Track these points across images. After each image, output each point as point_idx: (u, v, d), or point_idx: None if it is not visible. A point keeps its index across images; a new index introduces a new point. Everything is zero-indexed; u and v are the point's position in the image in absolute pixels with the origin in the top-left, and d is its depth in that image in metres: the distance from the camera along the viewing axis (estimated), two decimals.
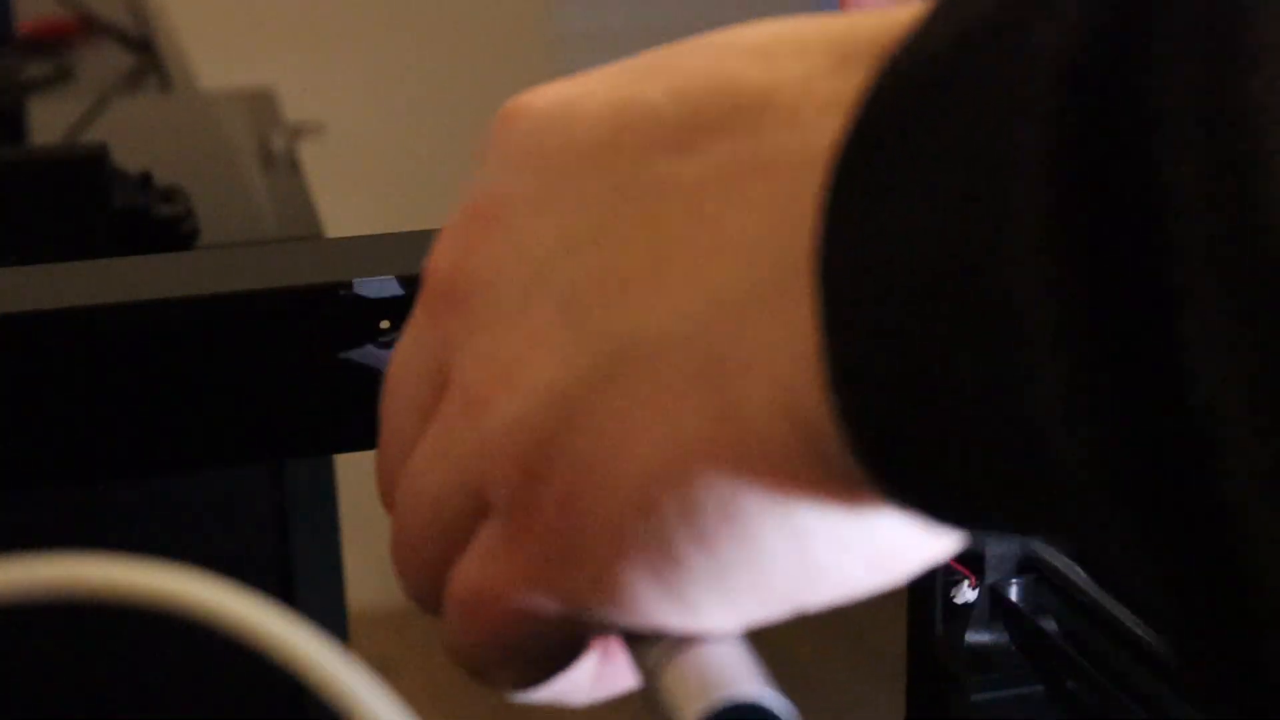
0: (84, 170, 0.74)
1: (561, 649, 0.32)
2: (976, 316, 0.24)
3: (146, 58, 1.17)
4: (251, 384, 0.46)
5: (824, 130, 0.27)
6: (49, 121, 1.01)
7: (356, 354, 0.48)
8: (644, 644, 0.31)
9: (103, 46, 1.19)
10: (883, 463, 0.26)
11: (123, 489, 0.68)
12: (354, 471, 0.68)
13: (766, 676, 0.30)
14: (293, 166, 0.93)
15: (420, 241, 0.50)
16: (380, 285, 0.47)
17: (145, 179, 0.78)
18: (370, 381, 0.49)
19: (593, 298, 0.29)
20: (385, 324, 0.49)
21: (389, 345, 0.49)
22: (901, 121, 0.25)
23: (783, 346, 0.27)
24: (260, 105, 1.06)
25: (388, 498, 0.34)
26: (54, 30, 1.20)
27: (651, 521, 0.29)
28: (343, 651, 0.30)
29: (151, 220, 0.75)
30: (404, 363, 0.34)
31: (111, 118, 1.02)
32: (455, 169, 2.56)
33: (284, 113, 1.06)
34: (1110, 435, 0.22)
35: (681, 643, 0.30)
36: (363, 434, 0.49)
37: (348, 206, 2.17)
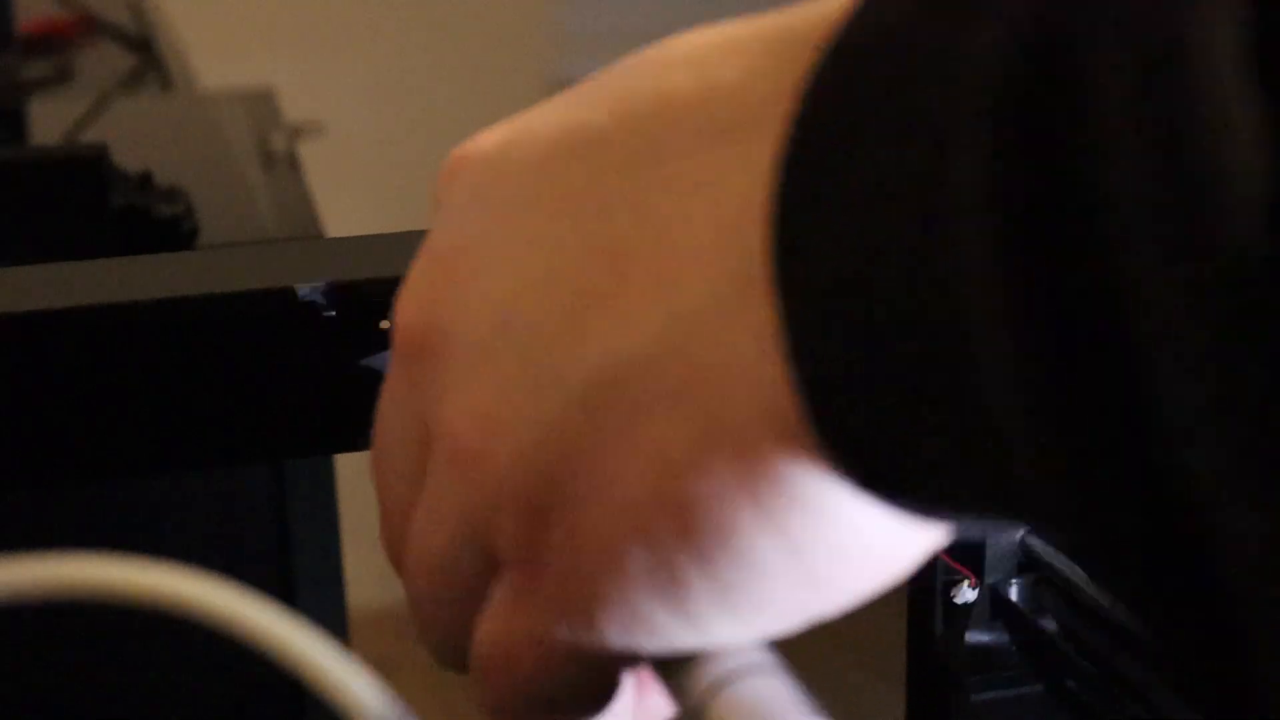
0: (84, 170, 0.74)
1: (595, 689, 0.32)
2: (925, 307, 0.24)
3: (146, 58, 1.17)
4: (251, 384, 0.46)
5: (762, 135, 0.27)
6: (49, 121, 1.01)
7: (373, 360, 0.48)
8: (679, 676, 0.31)
9: (103, 46, 1.19)
10: (854, 458, 0.26)
11: (123, 489, 0.68)
12: (354, 471, 0.68)
13: (817, 709, 0.30)
14: (293, 166, 0.93)
15: (420, 242, 0.50)
16: (381, 286, 0.47)
17: (145, 179, 0.78)
18: (368, 382, 0.49)
19: (555, 335, 0.29)
20: (385, 324, 0.49)
21: (387, 345, 0.49)
22: (838, 118, 0.25)
23: (753, 353, 0.27)
24: (260, 105, 1.06)
25: (397, 564, 0.34)
26: (54, 30, 1.20)
27: (650, 545, 0.28)
28: (343, 651, 0.30)
29: (151, 220, 0.75)
30: (387, 426, 0.34)
31: (111, 118, 1.02)
32: None
33: (284, 113, 1.06)
34: (1054, 421, 0.23)
35: (723, 679, 0.30)
36: (362, 434, 0.49)
37: (348, 206, 2.17)
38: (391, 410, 0.33)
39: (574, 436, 0.29)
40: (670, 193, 0.28)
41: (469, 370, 0.30)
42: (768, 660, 0.31)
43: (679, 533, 0.28)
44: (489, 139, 0.32)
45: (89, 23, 1.20)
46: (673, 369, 0.28)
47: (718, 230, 0.27)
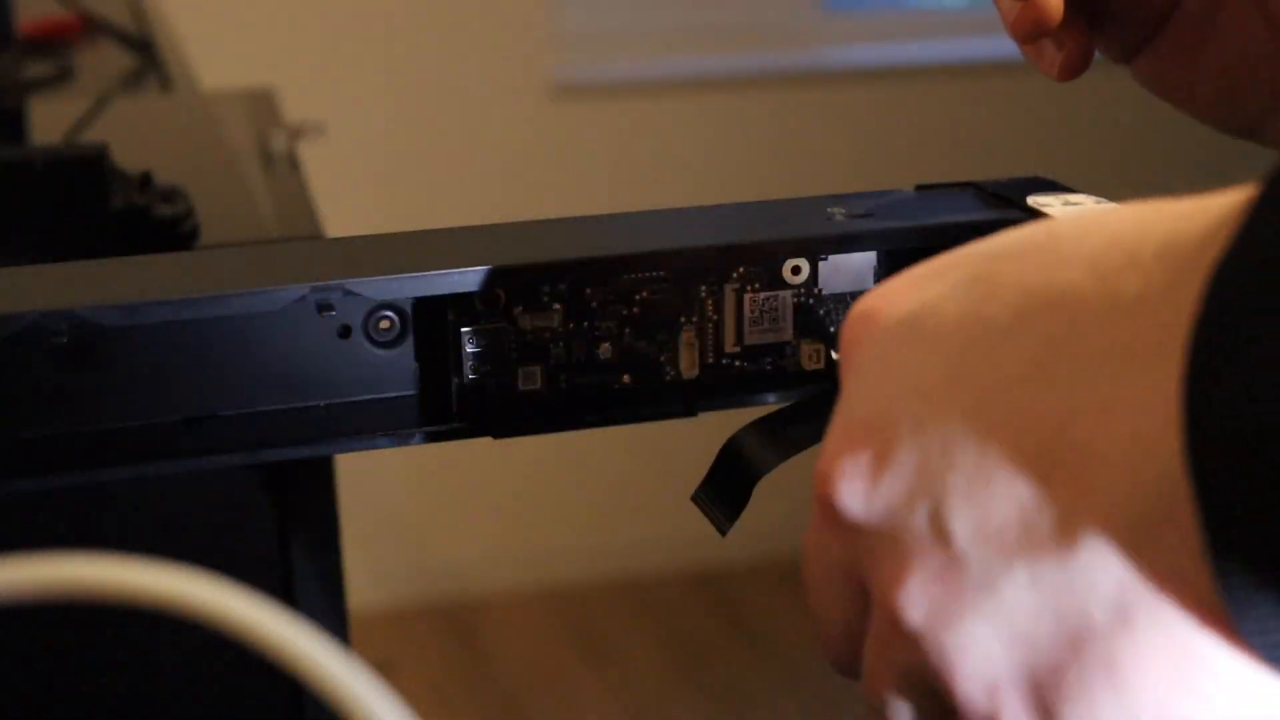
0: (84, 170, 0.74)
1: None
2: None
3: (146, 58, 1.17)
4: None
5: (1166, 361, 0.30)
6: (49, 121, 1.01)
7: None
8: None
9: (103, 46, 1.19)
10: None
11: (123, 488, 0.68)
12: (354, 472, 0.68)
13: None
14: (293, 166, 0.93)
15: (420, 241, 0.50)
16: (381, 286, 0.47)
17: (145, 179, 0.78)
18: (364, 382, 0.49)
19: (979, 543, 0.33)
20: (385, 324, 0.49)
21: (387, 345, 0.49)
22: (1237, 349, 0.29)
23: (1182, 562, 0.30)
24: (260, 105, 1.06)
25: (848, 673, 0.38)
26: (54, 30, 1.20)
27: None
28: (343, 651, 0.30)
29: (151, 220, 0.75)
30: (816, 567, 0.37)
31: (111, 118, 1.02)
32: (455, 169, 2.56)
33: (284, 113, 1.06)
34: None
35: None
36: (359, 433, 0.49)
37: (348, 206, 2.17)
38: (820, 555, 0.36)
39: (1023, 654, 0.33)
40: (1080, 413, 0.31)
41: (899, 556, 0.34)
42: None
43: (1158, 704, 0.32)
44: (894, 307, 0.35)
45: (89, 23, 1.20)
46: (1104, 583, 0.31)
47: (1132, 454, 0.30)
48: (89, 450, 0.46)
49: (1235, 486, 0.29)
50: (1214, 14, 0.53)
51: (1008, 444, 0.32)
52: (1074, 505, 0.32)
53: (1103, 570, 0.31)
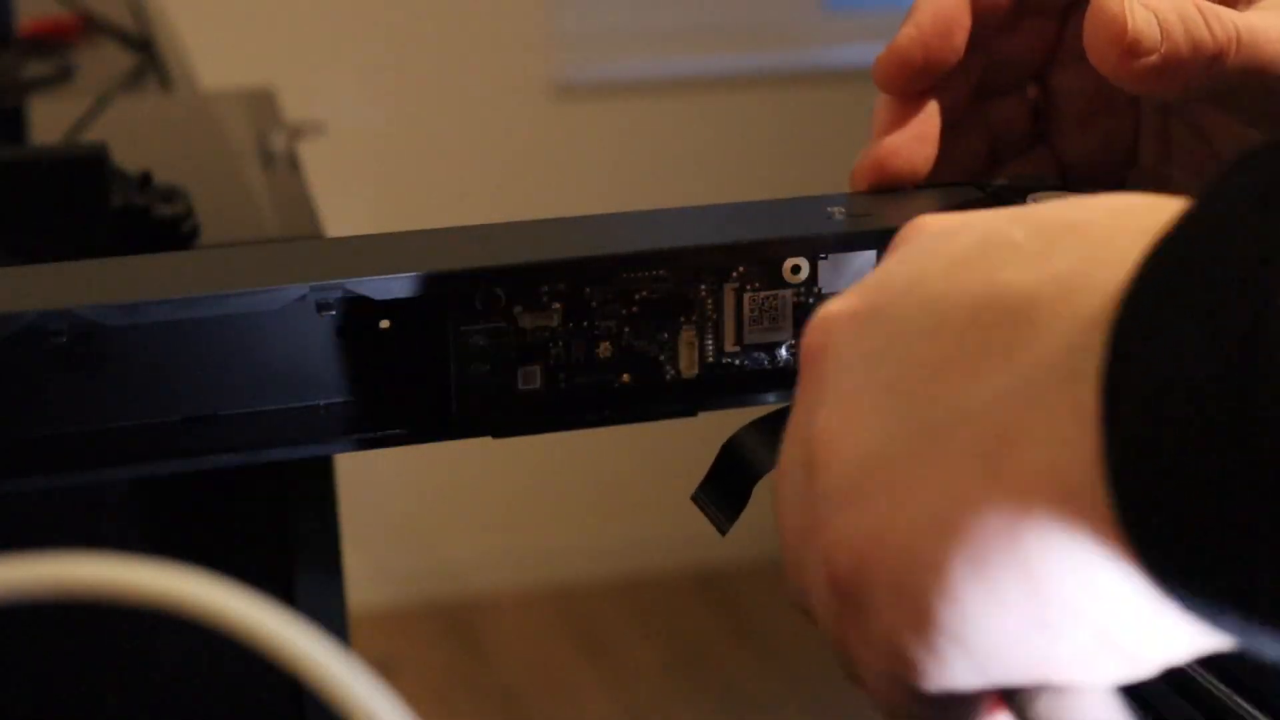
0: (84, 170, 0.74)
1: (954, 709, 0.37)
2: (1244, 434, 0.29)
3: (146, 58, 1.17)
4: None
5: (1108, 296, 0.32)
6: (49, 121, 1.01)
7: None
8: (1017, 700, 0.36)
9: (103, 46, 1.19)
10: (1158, 552, 0.31)
11: (123, 489, 0.68)
12: (354, 471, 0.68)
13: None
14: (293, 166, 0.93)
15: (420, 241, 0.50)
16: (381, 286, 0.47)
17: (145, 179, 0.78)
18: (368, 380, 0.49)
19: (892, 498, 0.36)
20: (385, 324, 0.49)
21: (387, 345, 0.49)
22: (1173, 275, 0.31)
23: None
24: (260, 105, 1.06)
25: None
26: (54, 30, 1.20)
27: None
28: (343, 651, 0.30)
29: (151, 220, 0.75)
30: (788, 521, 0.40)
31: (111, 118, 1.02)
32: (455, 169, 2.56)
33: (284, 113, 1.06)
34: None
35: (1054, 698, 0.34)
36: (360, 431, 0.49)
37: (348, 206, 2.17)
38: (788, 502, 0.39)
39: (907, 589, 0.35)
40: (987, 400, 0.34)
41: (839, 510, 0.37)
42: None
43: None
44: (848, 311, 0.39)
45: (89, 23, 1.20)
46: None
47: (1058, 434, 0.32)
48: (89, 450, 0.46)
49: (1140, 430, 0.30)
50: (1166, 165, 0.54)
51: (915, 423, 0.35)
52: (961, 463, 0.34)
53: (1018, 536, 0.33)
